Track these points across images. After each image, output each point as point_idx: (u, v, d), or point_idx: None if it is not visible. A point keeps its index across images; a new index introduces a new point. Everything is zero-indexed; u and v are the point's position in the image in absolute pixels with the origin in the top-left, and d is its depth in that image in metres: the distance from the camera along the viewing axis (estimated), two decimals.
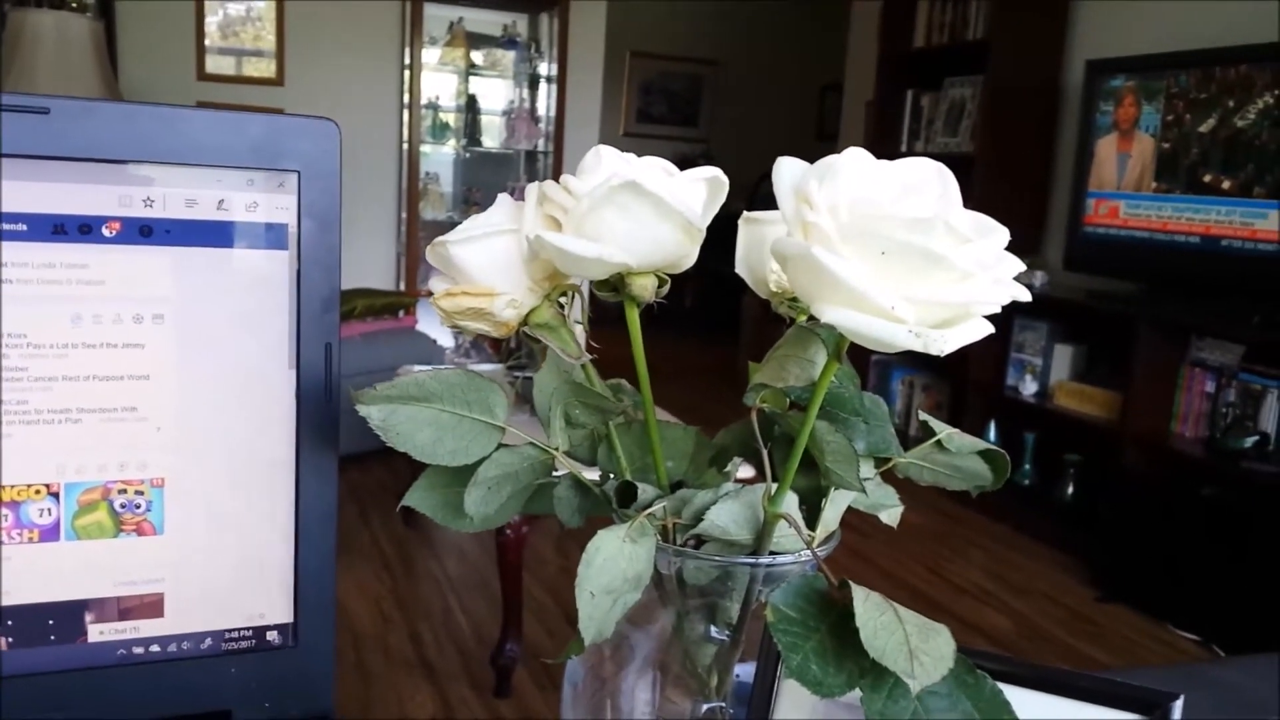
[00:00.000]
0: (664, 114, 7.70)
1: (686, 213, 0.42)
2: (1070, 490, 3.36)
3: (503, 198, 0.48)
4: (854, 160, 0.38)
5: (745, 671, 0.49)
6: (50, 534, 0.47)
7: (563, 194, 0.44)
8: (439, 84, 5.03)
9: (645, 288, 0.45)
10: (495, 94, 5.23)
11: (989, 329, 0.36)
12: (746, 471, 0.51)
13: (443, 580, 2.76)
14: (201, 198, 0.47)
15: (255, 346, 0.49)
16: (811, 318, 0.43)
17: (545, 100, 5.11)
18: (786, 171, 0.38)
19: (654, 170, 0.44)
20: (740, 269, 0.54)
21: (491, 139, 5.21)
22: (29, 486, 0.46)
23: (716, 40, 7.60)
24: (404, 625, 2.46)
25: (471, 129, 5.11)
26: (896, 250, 0.35)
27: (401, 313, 3.93)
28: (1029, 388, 3.50)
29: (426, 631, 2.44)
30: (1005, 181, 3.69)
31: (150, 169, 0.47)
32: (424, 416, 0.45)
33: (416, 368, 3.14)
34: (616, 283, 0.45)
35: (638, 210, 0.42)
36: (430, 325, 4.06)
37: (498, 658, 2.15)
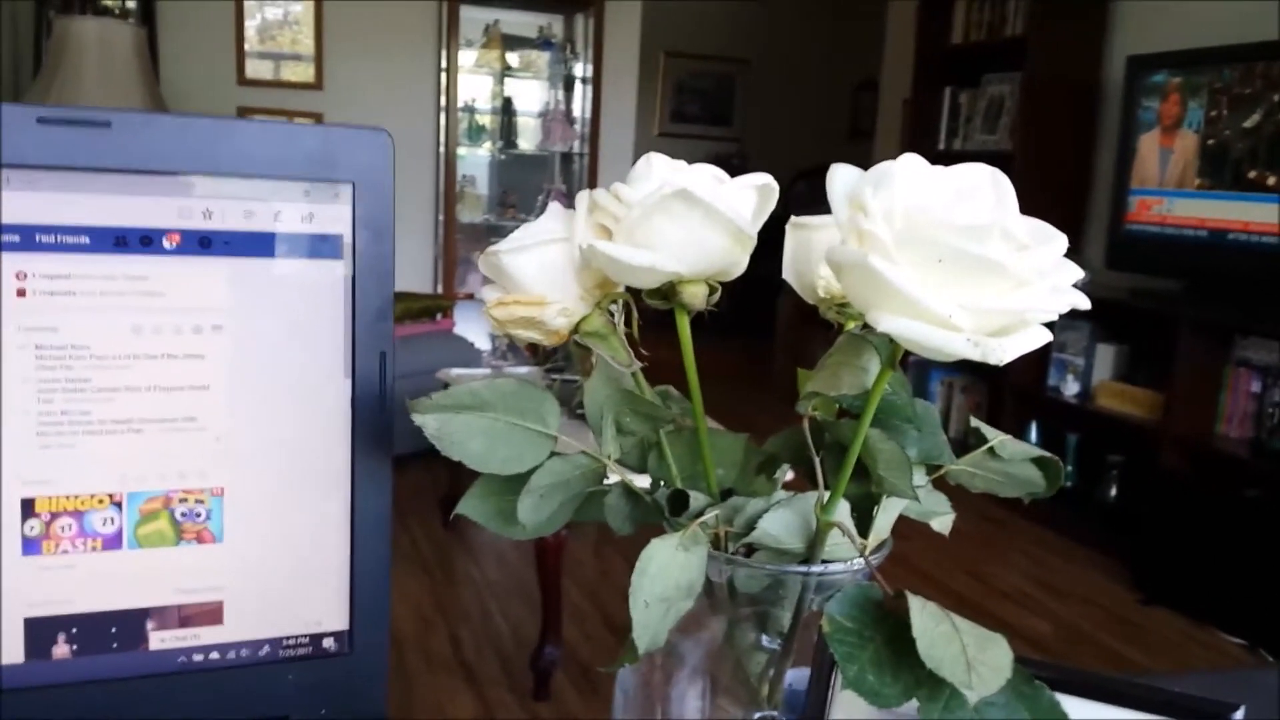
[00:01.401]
0: (697, 114, 7.69)
1: (737, 220, 0.43)
2: (1113, 492, 3.32)
3: (554, 206, 0.48)
4: (908, 167, 0.38)
5: (796, 679, 0.49)
6: (113, 543, 0.47)
7: (614, 202, 0.44)
8: (475, 86, 5.06)
9: (696, 295, 0.45)
10: (531, 96, 5.25)
11: (1047, 337, 0.36)
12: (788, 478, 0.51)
13: (482, 584, 2.78)
14: (258, 209, 0.48)
15: (311, 356, 0.50)
16: (864, 325, 0.43)
17: (580, 101, 5.12)
18: (840, 178, 0.38)
19: (705, 178, 0.45)
20: (787, 274, 0.54)
21: (527, 141, 5.23)
22: (92, 496, 0.47)
23: (750, 39, 7.58)
24: (444, 628, 2.48)
25: (507, 131, 5.13)
26: (953, 258, 0.35)
27: (439, 316, 3.95)
28: (1071, 388, 3.47)
29: (466, 635, 2.45)
30: (1045, 179, 3.65)
31: (209, 181, 0.47)
32: (478, 425, 0.46)
33: (454, 371, 3.16)
34: (667, 291, 0.45)
35: (689, 218, 0.42)
36: (468, 328, 4.08)
37: (537, 661, 2.16)
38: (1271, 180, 2.86)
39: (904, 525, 0.48)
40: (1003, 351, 0.35)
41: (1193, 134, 3.12)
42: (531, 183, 5.20)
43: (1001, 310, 0.36)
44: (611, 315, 0.49)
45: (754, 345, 5.92)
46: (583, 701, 2.16)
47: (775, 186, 0.46)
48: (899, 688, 0.37)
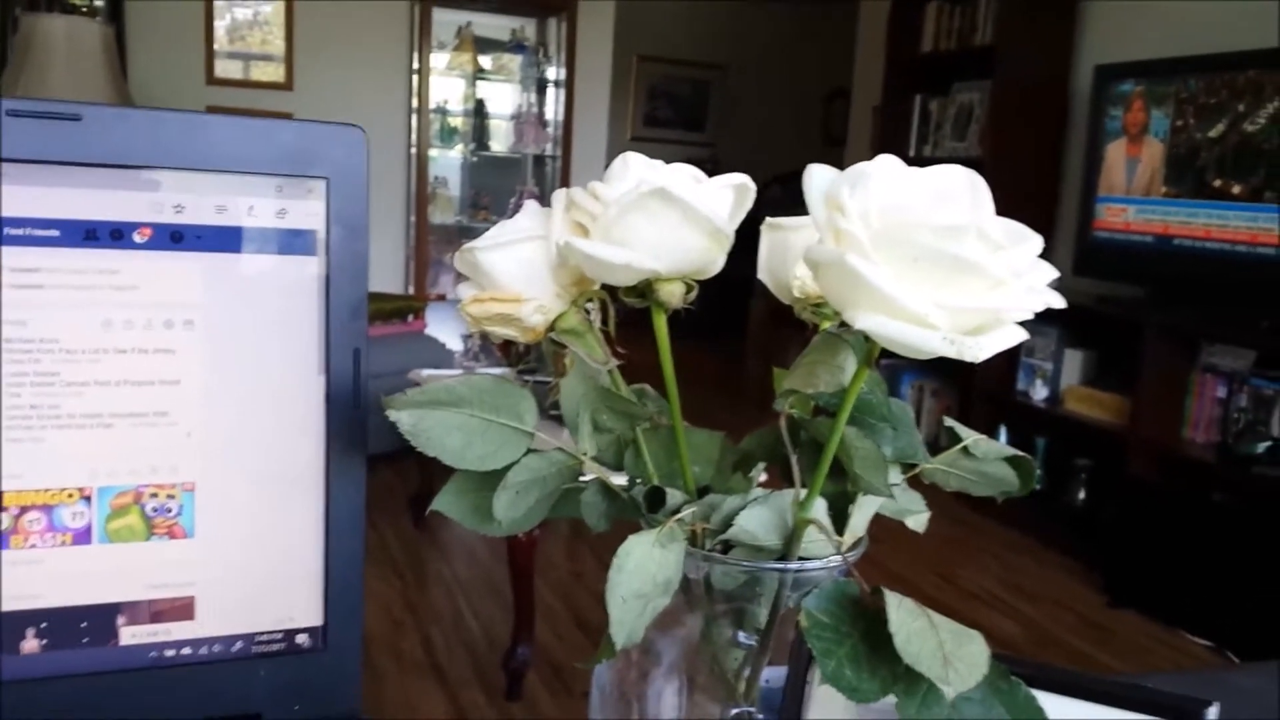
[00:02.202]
0: (671, 118, 7.70)
1: (714, 219, 0.43)
2: (1081, 495, 3.35)
3: (530, 204, 0.48)
4: (885, 167, 0.38)
5: (772, 676, 0.49)
6: (83, 537, 0.47)
7: (591, 200, 0.44)
8: (447, 88, 5.04)
9: (673, 294, 0.45)
10: (503, 98, 5.24)
11: (1022, 335, 0.36)
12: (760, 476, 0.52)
13: (453, 583, 2.76)
14: (231, 204, 0.48)
15: (284, 352, 0.49)
16: (841, 324, 0.44)
17: (553, 104, 5.12)
18: (817, 178, 0.39)
19: (682, 177, 0.45)
20: (762, 274, 0.54)
21: (499, 143, 5.22)
22: (62, 490, 0.47)
23: (723, 45, 7.60)
24: (415, 628, 2.47)
25: (480, 133, 5.12)
26: (929, 257, 0.35)
27: (410, 316, 3.93)
28: (1039, 392, 3.50)
29: (437, 635, 2.44)
30: (1014, 186, 3.68)
31: (181, 175, 0.47)
32: (454, 421, 0.45)
33: (425, 371, 3.15)
34: (644, 289, 0.45)
35: (666, 217, 0.42)
36: (439, 329, 4.06)
37: (509, 661, 2.15)
38: (1236, 189, 2.90)
39: (875, 527, 0.48)
40: (978, 349, 0.35)
41: (1159, 143, 3.16)
42: (504, 185, 5.19)
43: (977, 309, 0.36)
44: (588, 313, 0.49)
45: (725, 347, 5.93)
46: (555, 701, 2.16)
47: (752, 186, 0.46)
48: (876, 683, 0.38)
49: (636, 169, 0.45)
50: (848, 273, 0.35)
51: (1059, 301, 0.37)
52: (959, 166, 0.38)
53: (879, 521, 0.49)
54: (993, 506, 3.41)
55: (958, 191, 0.37)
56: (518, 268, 0.47)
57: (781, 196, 6.01)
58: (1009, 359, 3.59)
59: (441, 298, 4.80)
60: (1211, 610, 2.67)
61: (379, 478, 3.40)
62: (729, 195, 0.45)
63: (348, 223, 0.50)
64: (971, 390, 3.73)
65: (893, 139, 4.26)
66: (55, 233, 0.46)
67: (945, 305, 0.35)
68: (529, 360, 2.75)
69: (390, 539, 3.02)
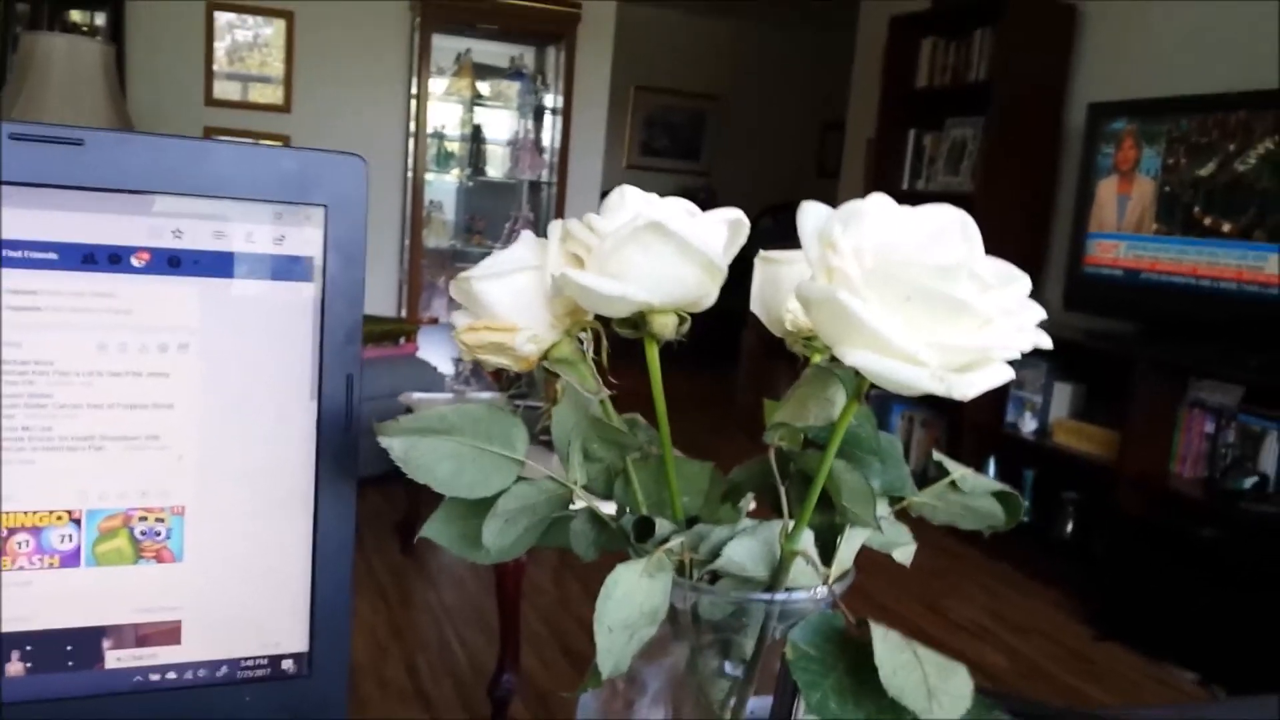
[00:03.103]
0: (666, 147, 7.75)
1: (709, 253, 0.43)
2: (1069, 528, 3.36)
3: (526, 234, 0.48)
4: (878, 206, 0.38)
5: (757, 707, 0.49)
6: (71, 560, 0.47)
7: (586, 233, 0.44)
8: (445, 113, 5.07)
9: (666, 325, 0.45)
10: (500, 124, 5.27)
11: (1010, 374, 0.37)
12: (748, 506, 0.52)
13: (439, 610, 2.75)
14: (230, 230, 0.48)
15: (278, 377, 0.50)
16: (831, 358, 0.44)
17: (550, 132, 5.14)
18: (811, 215, 0.39)
19: (677, 211, 0.45)
20: (755, 307, 0.54)
21: (495, 169, 5.24)
22: (50, 513, 0.47)
23: (720, 76, 7.67)
24: (400, 655, 2.45)
25: (476, 158, 5.14)
26: (921, 296, 0.36)
27: (403, 340, 3.94)
28: (1028, 425, 3.51)
29: (423, 662, 2.43)
30: (1005, 221, 3.71)
31: (180, 201, 0.47)
32: (445, 449, 0.46)
33: (416, 395, 3.14)
34: (637, 320, 0.46)
35: (661, 250, 0.43)
36: (431, 353, 4.06)
37: (494, 689, 2.14)
38: (1226, 227, 2.93)
39: (863, 559, 0.49)
40: (967, 387, 0.36)
41: (1150, 180, 3.18)
42: (499, 210, 5.20)
43: (967, 348, 0.36)
44: (581, 343, 0.50)
45: (717, 378, 5.94)
46: None
47: (746, 222, 0.47)
48: (861, 716, 0.38)
49: (633, 202, 0.45)
50: (839, 309, 0.36)
51: (1046, 342, 0.37)
52: (950, 206, 0.39)
53: (866, 553, 0.49)
54: (980, 539, 3.41)
55: (950, 231, 0.38)
56: (512, 297, 0.47)
57: (774, 228, 6.03)
58: (999, 392, 3.59)
59: (434, 321, 4.80)
60: (1199, 644, 2.67)
61: (367, 502, 3.39)
62: (723, 230, 0.46)
63: (345, 250, 0.50)
64: (961, 422, 3.74)
65: (886, 172, 4.29)
66: (53, 255, 0.46)
67: (935, 343, 0.36)
68: (520, 385, 2.75)
69: (377, 564, 3.00)
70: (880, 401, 4.16)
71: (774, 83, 7.71)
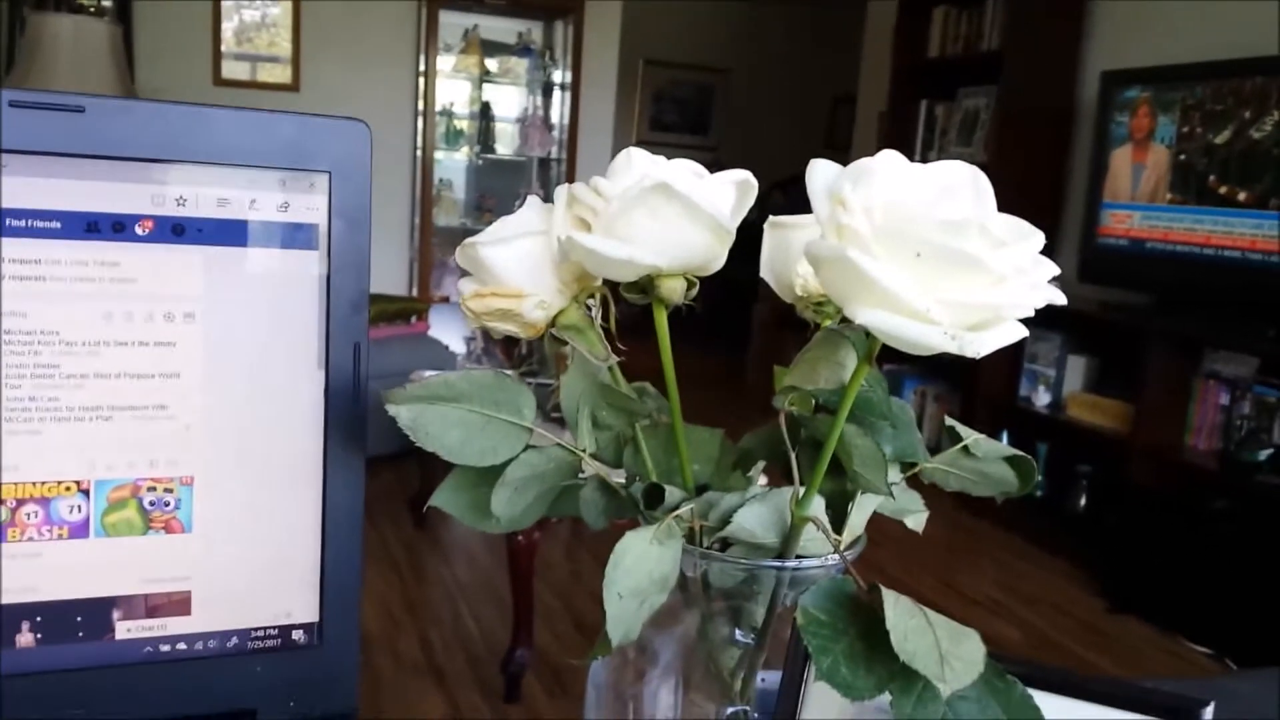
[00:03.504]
0: (676, 122, 7.71)
1: (716, 215, 0.43)
2: (1082, 501, 3.34)
3: (532, 199, 0.48)
4: (888, 163, 0.38)
5: (769, 677, 0.49)
6: (80, 530, 0.47)
7: (593, 196, 0.44)
8: (453, 91, 5.05)
9: (674, 290, 0.45)
10: (509, 101, 5.25)
11: (1023, 332, 0.36)
12: (761, 479, 0.51)
13: (452, 585, 2.76)
14: (233, 197, 0.48)
15: (284, 346, 0.49)
16: (842, 321, 0.43)
17: (559, 108, 5.12)
18: (820, 174, 0.38)
19: (684, 172, 0.45)
20: (765, 273, 0.54)
21: (505, 146, 5.22)
22: (59, 483, 0.46)
23: (729, 49, 7.61)
24: (414, 629, 2.46)
25: (485, 136, 5.12)
26: (931, 252, 0.35)
27: (414, 318, 3.94)
28: (1042, 399, 3.50)
29: (436, 636, 2.44)
30: (1019, 192, 3.68)
31: (183, 168, 0.47)
32: (453, 417, 0.45)
33: (428, 373, 3.14)
34: (645, 285, 0.45)
35: (668, 212, 0.42)
36: (442, 331, 4.06)
37: (507, 663, 2.15)
38: (1242, 196, 2.90)
39: (875, 531, 0.48)
40: (979, 345, 0.35)
41: (1165, 149, 3.15)
42: (509, 188, 5.19)
43: (979, 305, 0.36)
44: (589, 309, 0.49)
45: (729, 351, 5.93)
46: (553, 704, 2.15)
47: (754, 183, 0.46)
48: (872, 680, 0.37)
49: (639, 164, 0.45)
50: (849, 267, 0.35)
51: (1060, 298, 0.37)
52: (961, 163, 0.38)
53: (879, 526, 0.49)
54: (994, 511, 3.41)
55: (960, 187, 0.37)
56: (519, 263, 0.47)
57: (785, 202, 6.01)
58: (1012, 365, 3.58)
59: (445, 300, 4.80)
60: (1211, 617, 2.66)
61: (380, 479, 3.40)
62: (731, 191, 0.45)
63: (350, 217, 0.50)
64: (974, 396, 3.72)
65: (898, 144, 4.22)
66: (57, 224, 0.46)
67: (946, 301, 0.35)
68: (531, 363, 2.75)
69: (391, 539, 3.02)
70: (893, 376, 4.15)
71: (783, 56, 7.65)
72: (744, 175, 0.45)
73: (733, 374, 5.66)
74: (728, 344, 5.87)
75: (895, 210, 0.36)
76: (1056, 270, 0.37)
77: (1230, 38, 3.12)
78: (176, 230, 0.47)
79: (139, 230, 0.46)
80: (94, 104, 0.46)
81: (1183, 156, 3.09)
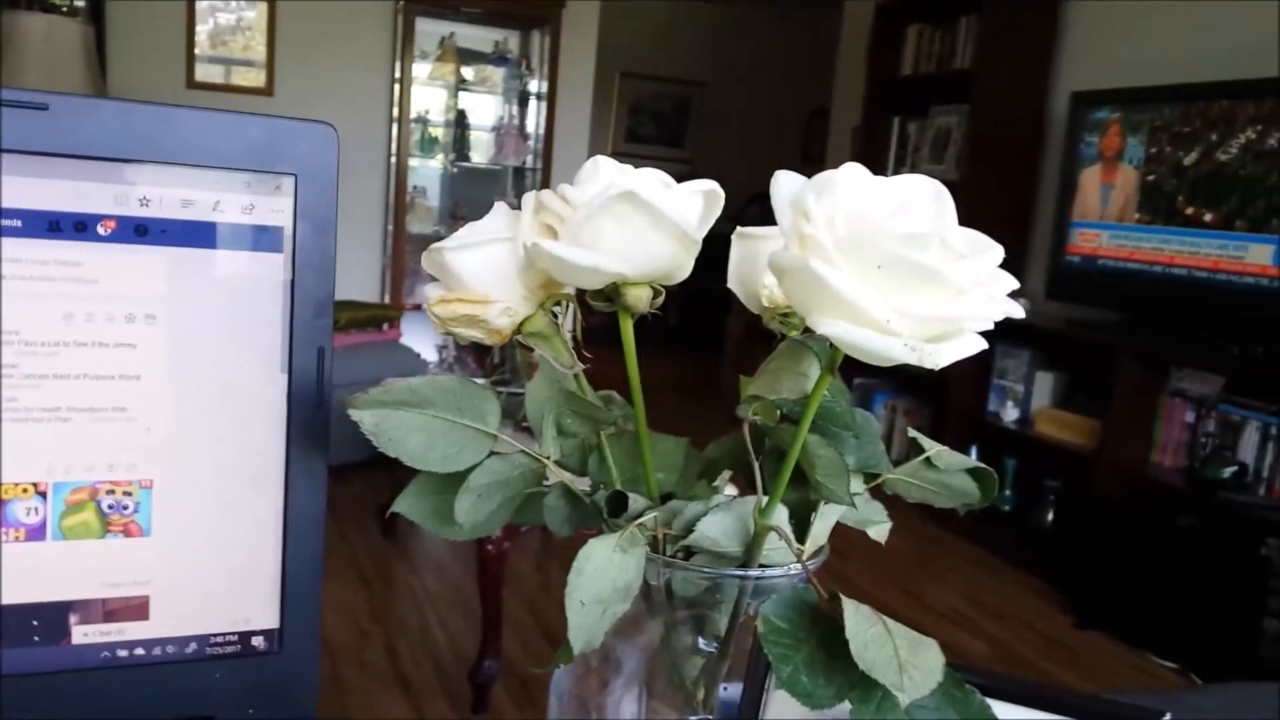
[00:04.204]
0: (652, 134, 7.73)
1: (683, 224, 0.43)
2: (1049, 516, 3.37)
3: (499, 206, 0.48)
4: (851, 175, 0.38)
5: (730, 687, 0.49)
6: (37, 533, 0.46)
7: (559, 203, 0.44)
8: (429, 98, 5.03)
9: (640, 298, 0.45)
10: (485, 110, 5.24)
11: (982, 345, 0.36)
12: (729, 489, 0.51)
13: (421, 595, 2.75)
14: (198, 198, 0.47)
15: (247, 349, 0.49)
16: (806, 332, 0.44)
17: (535, 117, 5.12)
18: (785, 185, 0.39)
19: (651, 181, 0.45)
20: (732, 284, 0.54)
21: (480, 154, 5.21)
22: (16, 485, 0.46)
23: (705, 63, 7.64)
24: (381, 639, 2.45)
25: (460, 144, 5.11)
26: (892, 264, 0.35)
27: (385, 326, 3.92)
28: (1010, 414, 3.52)
29: (404, 646, 2.42)
30: (989, 209, 3.71)
31: (147, 169, 0.47)
32: (416, 422, 0.45)
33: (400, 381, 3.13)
34: (611, 293, 0.45)
35: (634, 220, 0.42)
36: (414, 339, 4.05)
37: (475, 674, 2.14)
38: (1208, 217, 2.94)
39: (841, 543, 0.48)
40: (939, 356, 0.35)
41: (1133, 169, 3.19)
42: (483, 196, 5.18)
43: (938, 317, 0.36)
44: (556, 317, 0.49)
45: (703, 360, 5.95)
46: (521, 714, 2.14)
47: (721, 193, 0.46)
48: (832, 689, 0.38)
49: (606, 173, 0.45)
50: (811, 278, 0.35)
51: (1019, 311, 0.37)
52: (924, 177, 0.38)
53: (845, 537, 0.49)
54: (960, 524, 3.43)
55: (922, 200, 0.38)
56: (485, 269, 0.47)
57: (760, 215, 6.02)
58: (981, 380, 3.61)
59: (417, 307, 4.78)
60: (1177, 632, 2.69)
61: (349, 487, 3.38)
62: (698, 201, 0.46)
63: (316, 220, 0.50)
64: (944, 410, 3.74)
65: (871, 160, 4.28)
66: (18, 223, 0.45)
67: (907, 312, 0.35)
68: (503, 371, 2.74)
69: (359, 549, 3.00)
70: (863, 390, 4.17)
71: (759, 69, 7.70)
72: (711, 185, 0.46)
73: (706, 383, 5.67)
74: (702, 354, 5.88)
75: (857, 222, 0.36)
76: (1015, 284, 0.37)
77: (1199, 61, 3.16)
78: (139, 231, 0.47)
79: (101, 230, 0.46)
80: (58, 102, 0.45)
81: (1151, 177, 3.13)
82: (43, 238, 0.45)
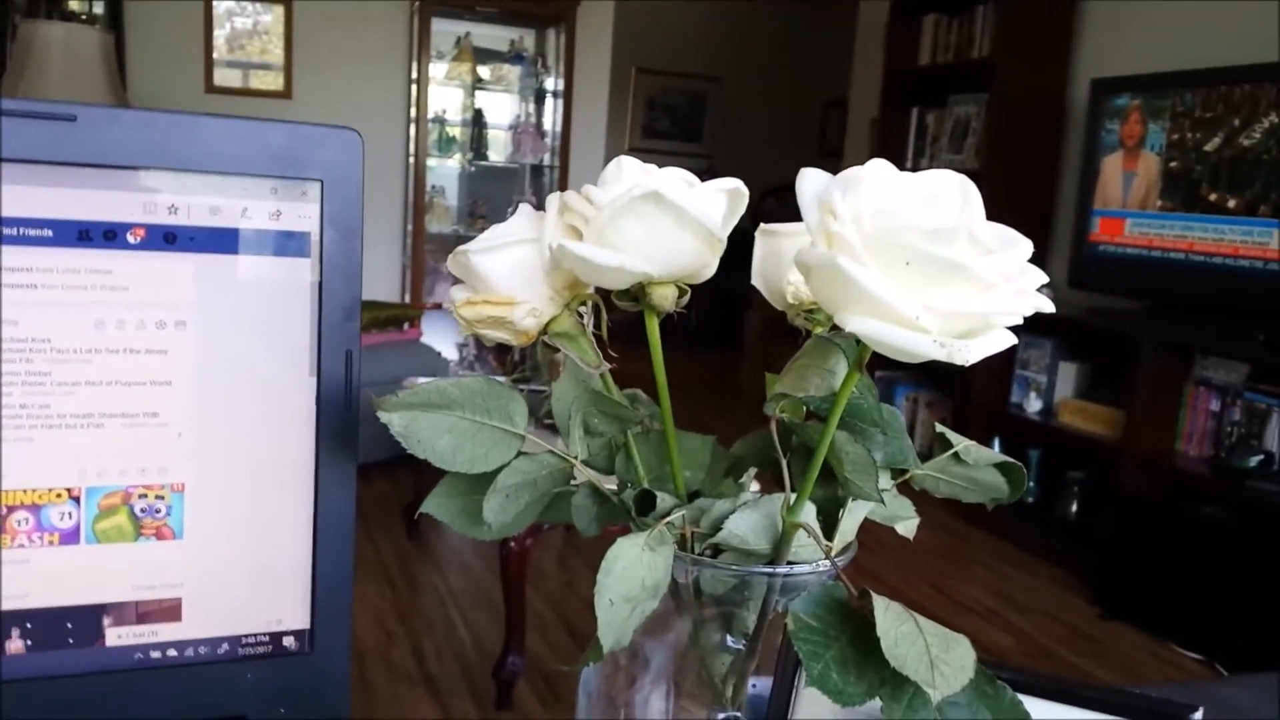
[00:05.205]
0: (668, 129, 7.73)
1: (707, 223, 0.43)
2: (1074, 508, 3.35)
3: (524, 207, 0.48)
4: (877, 171, 0.38)
5: (760, 684, 0.49)
6: (70, 537, 0.47)
7: (584, 204, 0.44)
8: (446, 98, 5.05)
9: (665, 297, 0.45)
10: (501, 108, 5.25)
11: (1012, 340, 0.36)
12: (754, 486, 0.52)
13: (445, 594, 2.76)
14: (225, 206, 0.48)
15: (276, 353, 0.49)
16: (832, 328, 0.44)
17: (551, 115, 5.13)
18: (810, 182, 0.39)
19: (675, 181, 0.45)
20: (756, 280, 0.54)
21: (497, 153, 5.23)
22: (50, 490, 0.46)
23: (721, 57, 7.63)
24: (407, 639, 2.46)
25: (478, 143, 5.13)
26: (920, 260, 0.35)
27: (406, 325, 3.93)
28: (1033, 405, 3.50)
29: (429, 645, 2.43)
30: (1010, 199, 3.68)
31: (175, 176, 0.47)
32: (444, 424, 0.45)
33: (421, 380, 3.14)
34: (637, 292, 0.45)
35: (659, 220, 0.42)
36: (435, 338, 4.06)
37: (500, 671, 2.15)
38: (1231, 203, 2.91)
39: (867, 538, 0.48)
40: (968, 352, 0.35)
41: (1155, 156, 3.17)
42: (501, 194, 5.19)
43: (967, 312, 0.36)
44: (581, 317, 0.49)
45: (722, 358, 5.94)
46: (545, 711, 2.15)
47: (745, 191, 0.46)
48: (863, 686, 0.38)
49: (630, 173, 0.45)
50: (839, 275, 0.35)
51: (1048, 305, 0.37)
52: (950, 171, 0.38)
53: (871, 533, 0.49)
54: (985, 518, 3.41)
55: (948, 195, 0.38)
56: (511, 270, 0.47)
57: (777, 208, 6.02)
58: (1003, 371, 3.59)
59: (438, 306, 4.80)
60: (1203, 624, 2.67)
61: (374, 487, 3.40)
62: (722, 199, 0.46)
63: (342, 225, 0.50)
64: (966, 402, 3.73)
65: (890, 151, 4.27)
66: (48, 233, 0.46)
67: (935, 308, 0.35)
68: (524, 369, 2.75)
69: (384, 549, 3.01)
70: (885, 383, 4.16)
71: (775, 62, 7.67)
72: (735, 183, 0.46)
73: (726, 380, 5.66)
74: (721, 350, 5.88)
75: (884, 218, 0.36)
76: (1045, 278, 0.37)
77: (1220, 45, 3.14)
78: (168, 238, 0.47)
79: (130, 238, 0.46)
80: (85, 113, 0.46)
81: (1173, 163, 3.11)
82: (73, 247, 0.46)
